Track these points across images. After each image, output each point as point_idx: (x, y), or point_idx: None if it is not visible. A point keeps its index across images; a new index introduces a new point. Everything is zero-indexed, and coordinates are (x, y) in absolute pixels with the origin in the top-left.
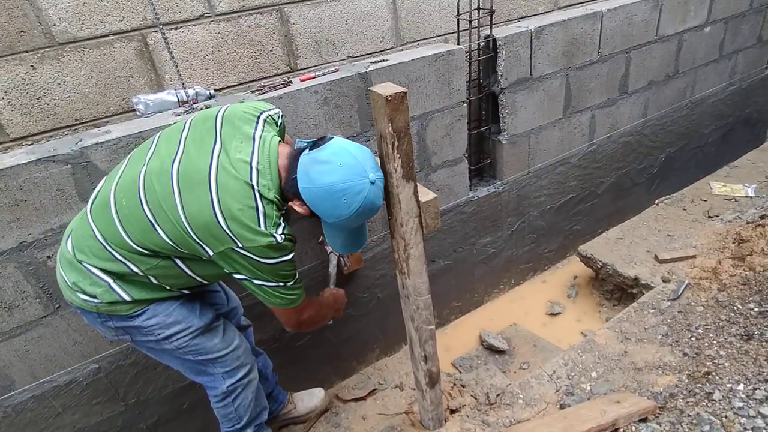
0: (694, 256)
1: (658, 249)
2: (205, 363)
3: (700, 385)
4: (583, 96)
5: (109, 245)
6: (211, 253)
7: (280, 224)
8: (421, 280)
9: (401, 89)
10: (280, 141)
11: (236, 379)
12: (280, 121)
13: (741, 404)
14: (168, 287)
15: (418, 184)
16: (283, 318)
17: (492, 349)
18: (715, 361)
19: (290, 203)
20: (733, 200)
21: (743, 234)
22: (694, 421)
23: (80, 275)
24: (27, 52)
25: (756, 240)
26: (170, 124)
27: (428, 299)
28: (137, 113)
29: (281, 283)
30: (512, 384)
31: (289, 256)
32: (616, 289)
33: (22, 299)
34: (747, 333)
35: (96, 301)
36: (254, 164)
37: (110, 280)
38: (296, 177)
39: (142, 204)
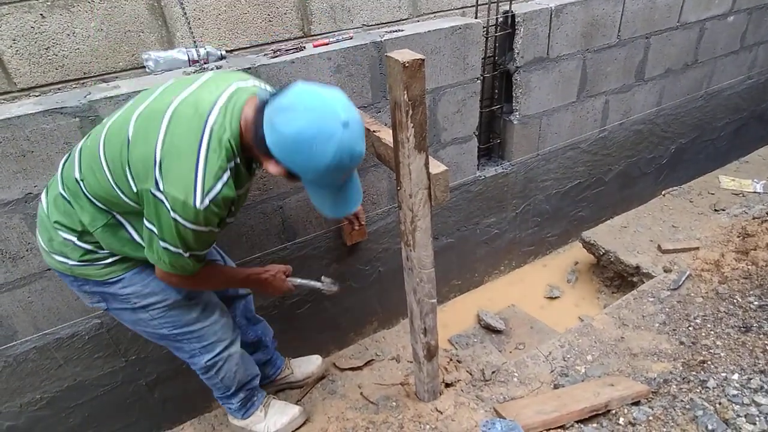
0: (697, 248)
1: (662, 239)
2: (180, 337)
3: (694, 373)
4: (599, 80)
5: (68, 196)
6: (135, 189)
7: (216, 185)
8: (426, 252)
9: (419, 56)
10: (252, 96)
11: (214, 353)
12: (265, 89)
13: (735, 392)
14: (115, 252)
15: (428, 156)
16: (156, 270)
17: (489, 329)
18: (711, 350)
19: (264, 165)
20: (741, 195)
21: (749, 229)
22: (687, 406)
23: (50, 233)
24: None
25: (761, 235)
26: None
27: (432, 272)
28: (147, 70)
29: (173, 248)
30: (508, 362)
31: (202, 229)
32: (616, 277)
33: (27, 251)
34: (745, 325)
35: (69, 262)
36: (218, 103)
37: (74, 238)
38: (263, 131)
39: (99, 144)
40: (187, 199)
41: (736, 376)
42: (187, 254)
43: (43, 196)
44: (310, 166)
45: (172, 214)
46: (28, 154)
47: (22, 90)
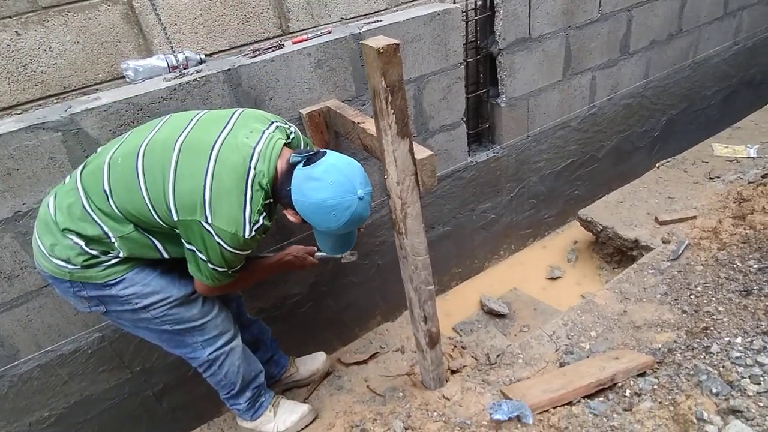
0: (694, 217)
1: (659, 211)
2: (182, 333)
3: (698, 340)
4: (584, 56)
5: (90, 204)
6: (176, 219)
7: (259, 219)
8: (418, 239)
9: (394, 41)
10: (285, 146)
11: (216, 346)
12: (292, 134)
13: (738, 354)
14: (131, 256)
15: (413, 142)
16: (196, 283)
17: (492, 314)
18: (714, 317)
19: (284, 211)
20: (735, 161)
21: (744, 193)
22: (691, 373)
23: (55, 238)
24: (10, 17)
25: (757, 199)
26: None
27: (426, 259)
28: (127, 80)
29: (220, 268)
30: (512, 345)
31: (244, 252)
32: (616, 252)
33: (21, 269)
34: (746, 289)
35: (70, 267)
36: (257, 149)
37: (82, 243)
38: (290, 189)
39: (137, 164)
40: (237, 232)
41: (739, 339)
42: (230, 271)
43: (50, 202)
44: (325, 224)
45: (219, 241)
46: (13, 172)
47: (4, 109)
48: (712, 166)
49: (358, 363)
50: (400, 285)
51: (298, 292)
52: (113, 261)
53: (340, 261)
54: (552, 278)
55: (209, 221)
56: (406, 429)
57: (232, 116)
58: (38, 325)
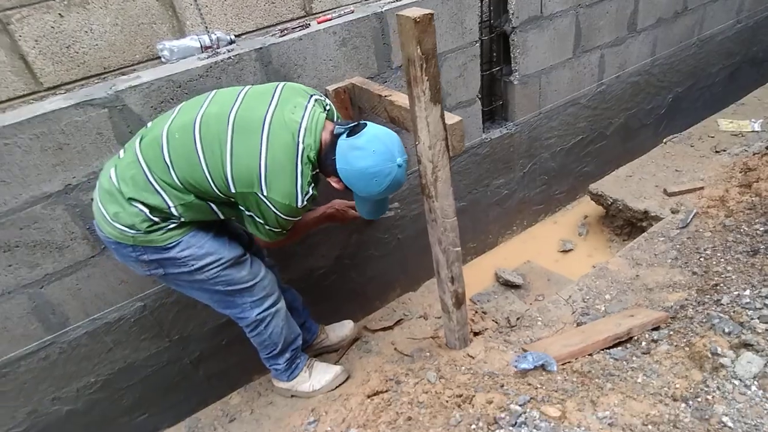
0: (702, 188)
1: (667, 183)
2: (233, 293)
3: (708, 296)
4: (593, 35)
5: (153, 176)
6: (234, 191)
7: (309, 190)
8: (448, 202)
9: (428, 11)
10: (326, 119)
11: (264, 307)
12: (327, 106)
13: (748, 301)
14: (191, 221)
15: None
16: (257, 239)
17: (508, 284)
18: (723, 275)
19: (328, 179)
20: (740, 135)
21: (750, 163)
22: (704, 320)
23: (120, 206)
24: (54, 0)
25: (762, 168)
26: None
27: (454, 221)
28: (162, 60)
29: (276, 229)
30: (530, 308)
31: (297, 218)
32: (625, 225)
33: (72, 240)
34: (753, 249)
35: (133, 231)
36: (303, 124)
37: (147, 211)
38: (335, 158)
39: (195, 139)
40: (291, 202)
41: (747, 292)
42: (284, 231)
43: (111, 174)
44: (367, 190)
45: (274, 210)
46: (64, 147)
47: (48, 89)
48: (717, 141)
49: (384, 329)
50: (419, 257)
51: (324, 264)
52: (172, 225)
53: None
54: (564, 251)
55: (265, 194)
56: (439, 378)
57: (275, 91)
58: (86, 293)
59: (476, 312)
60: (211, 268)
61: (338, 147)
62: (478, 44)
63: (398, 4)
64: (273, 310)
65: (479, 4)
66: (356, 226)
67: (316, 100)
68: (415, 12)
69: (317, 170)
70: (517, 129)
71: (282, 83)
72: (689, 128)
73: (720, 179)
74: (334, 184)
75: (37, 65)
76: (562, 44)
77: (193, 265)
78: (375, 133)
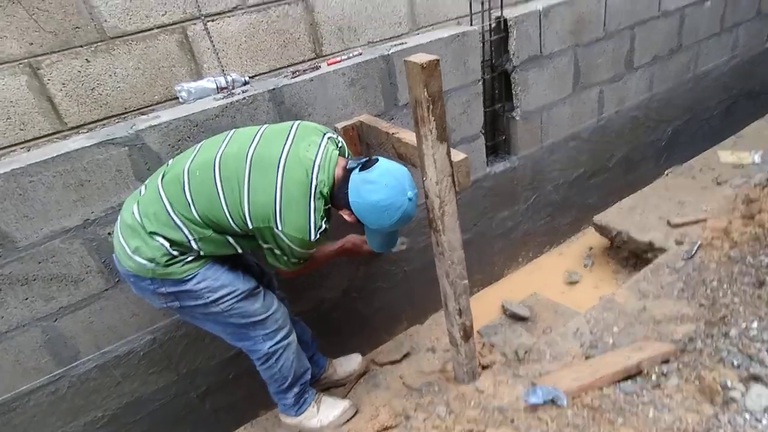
0: (705, 219)
1: (670, 215)
2: (246, 326)
3: (716, 328)
4: (591, 72)
5: (175, 211)
6: (252, 226)
7: (322, 224)
8: (455, 235)
9: (434, 57)
10: (339, 155)
11: (276, 340)
12: (340, 143)
13: (755, 333)
14: (209, 254)
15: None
16: (278, 269)
17: (515, 317)
18: (730, 307)
19: (340, 212)
20: (741, 167)
21: (751, 195)
22: (713, 353)
23: (142, 241)
24: (82, 46)
25: (764, 199)
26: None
27: (461, 254)
28: (180, 100)
29: (293, 260)
30: (538, 341)
31: (311, 251)
32: (631, 256)
33: (87, 273)
34: (759, 281)
35: (152, 264)
36: (317, 161)
37: (167, 245)
38: (347, 191)
39: (215, 177)
40: (304, 237)
41: (755, 324)
42: (300, 261)
43: (134, 210)
44: (379, 222)
45: (289, 243)
46: (85, 184)
47: (72, 128)
48: (718, 173)
49: (392, 363)
50: (426, 289)
51: (331, 296)
52: (190, 258)
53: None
54: (570, 283)
55: (280, 228)
56: (449, 413)
57: (291, 129)
58: (98, 326)
59: (484, 345)
60: (226, 301)
61: (351, 181)
62: (480, 82)
63: (404, 47)
64: (285, 343)
65: (481, 45)
66: (364, 259)
67: (329, 138)
68: (422, 57)
69: (329, 205)
70: (520, 163)
71: (297, 122)
72: (689, 160)
73: (723, 210)
74: (346, 217)
75: (62, 106)
76: (561, 81)
77: (208, 297)
78: (387, 167)
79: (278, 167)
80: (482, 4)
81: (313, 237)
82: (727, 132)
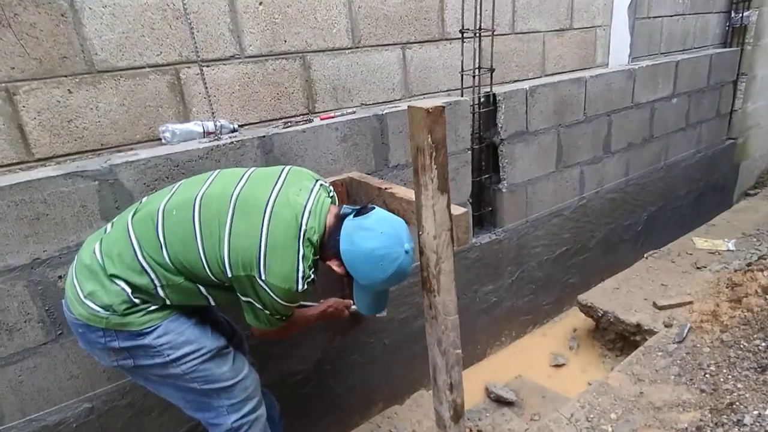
0: (691, 302)
1: (655, 297)
2: (210, 393)
3: (725, 416)
4: (573, 152)
5: (143, 253)
6: (230, 275)
7: (310, 274)
8: (450, 297)
9: (440, 103)
10: (331, 204)
11: (242, 413)
12: (331, 193)
13: None
14: (176, 304)
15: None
16: (254, 330)
17: (500, 401)
18: (734, 393)
19: (328, 262)
20: (717, 253)
21: (735, 279)
22: None
23: (99, 284)
24: (66, 76)
25: (748, 283)
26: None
27: (456, 320)
28: (162, 141)
29: (275, 316)
30: (530, 428)
31: (294, 304)
32: (617, 339)
33: (25, 322)
34: (760, 365)
35: (107, 313)
36: (308, 207)
37: (129, 291)
38: (339, 239)
39: (193, 217)
40: (291, 287)
41: None
42: (284, 318)
43: (95, 249)
44: (370, 276)
45: (272, 296)
46: (42, 217)
47: (39, 160)
48: (696, 258)
49: None
50: (405, 366)
51: (302, 369)
52: (153, 308)
53: (373, 316)
54: (556, 365)
55: (263, 278)
56: None
57: (281, 173)
58: (28, 388)
59: (470, 430)
60: (189, 360)
61: (344, 227)
62: (470, 152)
63: (398, 109)
64: (253, 417)
65: (471, 116)
66: (341, 327)
67: (321, 185)
68: (427, 103)
69: (318, 256)
70: (506, 235)
71: (288, 167)
72: (666, 245)
73: (707, 294)
74: (335, 268)
75: (33, 136)
76: (545, 158)
77: (168, 356)
78: (383, 215)
79: (265, 210)
80: (473, 79)
81: (300, 287)
82: (698, 220)
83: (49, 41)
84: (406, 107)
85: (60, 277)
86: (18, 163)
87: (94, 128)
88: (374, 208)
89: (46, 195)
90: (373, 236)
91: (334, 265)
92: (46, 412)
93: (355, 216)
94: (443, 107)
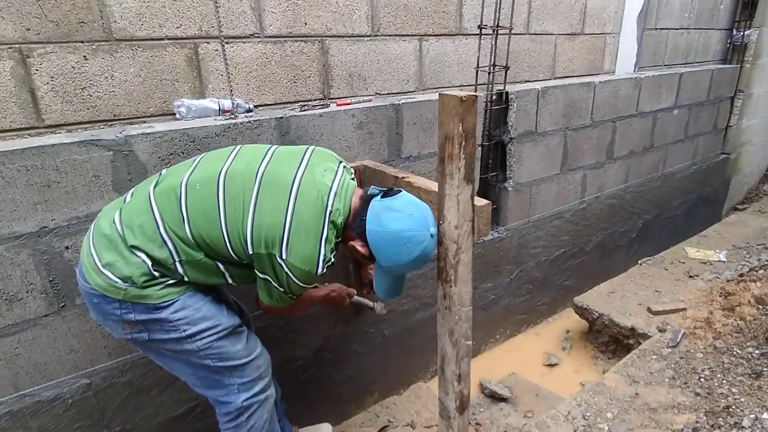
0: (684, 309)
1: (649, 302)
2: (222, 371)
3: (721, 419)
4: (578, 155)
5: (165, 227)
6: (251, 252)
7: (331, 257)
8: (466, 288)
9: (473, 93)
10: (355, 186)
11: (253, 393)
12: (352, 176)
13: None
14: (192, 281)
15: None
16: (262, 304)
17: (494, 397)
18: (730, 397)
19: (351, 242)
20: (709, 263)
21: (728, 288)
22: None
23: (118, 255)
24: (83, 42)
25: (741, 293)
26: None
27: (470, 311)
28: (177, 116)
29: (288, 294)
30: (528, 423)
31: (311, 285)
32: (610, 342)
33: (27, 292)
34: (755, 372)
35: (126, 284)
36: (334, 188)
37: (149, 263)
38: (365, 219)
39: (218, 192)
40: (311, 269)
41: (766, 415)
42: (295, 296)
43: (115, 217)
44: (395, 258)
45: (291, 275)
46: (53, 185)
47: (49, 126)
48: (689, 267)
49: None
50: (403, 359)
51: (303, 355)
52: (171, 282)
53: (372, 311)
54: (549, 365)
55: (284, 257)
56: None
57: (305, 152)
58: (23, 361)
59: (470, 423)
60: (205, 336)
61: (371, 207)
62: (479, 148)
63: (414, 100)
64: (262, 396)
65: (484, 113)
66: (343, 316)
67: (344, 167)
68: (460, 93)
69: (340, 238)
70: (508, 234)
71: (312, 147)
72: (659, 253)
73: (701, 301)
74: (359, 248)
75: (44, 101)
76: (551, 160)
77: (185, 331)
78: (411, 198)
79: (291, 189)
80: (488, 76)
81: (320, 270)
82: (689, 231)
83: (67, 4)
84: (435, 96)
85: (67, 247)
86: (27, 128)
87: (107, 98)
88: (401, 190)
89: (58, 162)
90: (401, 217)
91: (358, 246)
92: (41, 387)
93: (382, 197)
94: (476, 96)
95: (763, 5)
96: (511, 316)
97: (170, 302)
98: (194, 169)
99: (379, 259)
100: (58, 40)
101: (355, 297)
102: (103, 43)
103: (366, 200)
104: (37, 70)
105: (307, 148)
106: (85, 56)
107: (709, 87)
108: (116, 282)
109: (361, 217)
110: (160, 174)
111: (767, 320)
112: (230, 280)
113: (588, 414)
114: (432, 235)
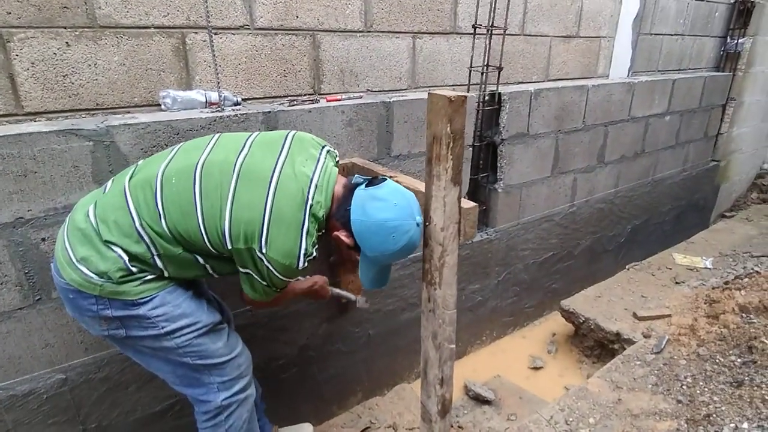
0: (669, 315)
1: (635, 308)
2: (201, 369)
3: (702, 426)
4: (569, 159)
5: (141, 222)
6: (230, 247)
7: (312, 251)
8: (450, 291)
9: (463, 94)
10: (338, 173)
11: (233, 392)
12: (337, 158)
13: None
14: (173, 276)
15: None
16: (246, 297)
17: (478, 399)
18: (711, 405)
19: (336, 233)
20: (695, 270)
21: (713, 296)
22: None
23: (93, 250)
24: (65, 28)
25: (726, 301)
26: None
27: (454, 314)
28: (162, 107)
29: (271, 288)
30: (511, 427)
31: (292, 279)
32: (596, 346)
33: (1, 284)
34: (736, 380)
35: (102, 280)
36: (315, 180)
37: (126, 258)
38: (350, 209)
39: (194, 186)
40: (291, 263)
41: (746, 425)
42: (278, 290)
43: (90, 210)
44: (380, 248)
45: (269, 268)
46: (30, 174)
47: (28, 114)
48: (676, 273)
49: None
50: (387, 359)
51: (286, 354)
52: (149, 277)
53: (354, 304)
54: (534, 368)
55: (264, 251)
56: None
57: (285, 140)
58: None
59: (452, 426)
60: (185, 334)
61: (355, 197)
62: (471, 149)
63: (405, 98)
64: (242, 396)
65: (476, 113)
66: (328, 315)
67: (328, 152)
68: (449, 93)
69: (323, 231)
70: (497, 236)
71: (293, 132)
72: (647, 258)
73: (685, 308)
74: (344, 239)
75: (24, 88)
76: (542, 162)
77: (163, 328)
78: (396, 187)
79: (270, 182)
80: (481, 76)
81: (301, 264)
82: (677, 237)
83: None
84: (427, 95)
85: (43, 239)
86: (6, 116)
87: (90, 86)
88: (386, 179)
89: (36, 151)
90: (386, 207)
91: (342, 236)
92: (15, 381)
93: (366, 186)
94: (465, 97)
95: (758, 14)
96: (498, 318)
97: (149, 298)
98: (170, 160)
99: (365, 249)
100: (40, 24)
101: (336, 289)
102: (86, 29)
103: (350, 189)
104: (17, 55)
105: (288, 134)
106: (67, 42)
107: (701, 94)
108: (91, 277)
109: (346, 206)
110: (136, 165)
111: (750, 329)
112: (212, 273)
113: (570, 419)
114: (418, 224)
